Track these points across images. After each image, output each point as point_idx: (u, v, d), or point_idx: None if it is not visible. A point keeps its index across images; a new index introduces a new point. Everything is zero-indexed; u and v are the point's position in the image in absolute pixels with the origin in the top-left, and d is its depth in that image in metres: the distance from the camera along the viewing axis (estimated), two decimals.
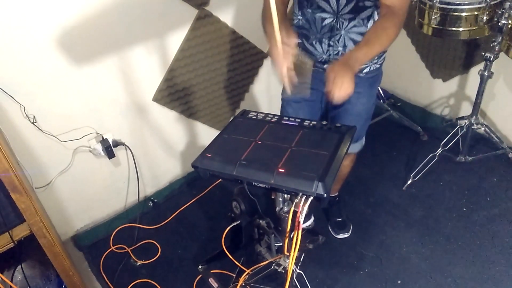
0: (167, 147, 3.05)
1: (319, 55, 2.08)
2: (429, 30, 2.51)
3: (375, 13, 1.92)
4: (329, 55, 2.04)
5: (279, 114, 2.31)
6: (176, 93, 2.81)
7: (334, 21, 1.94)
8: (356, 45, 1.87)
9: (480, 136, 3.14)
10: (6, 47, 2.12)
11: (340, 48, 2.00)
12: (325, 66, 2.09)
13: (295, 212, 1.52)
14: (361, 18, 1.91)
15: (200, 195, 3.17)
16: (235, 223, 2.07)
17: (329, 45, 2.02)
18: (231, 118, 2.36)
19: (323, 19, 1.95)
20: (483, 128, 2.88)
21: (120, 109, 2.67)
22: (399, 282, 2.45)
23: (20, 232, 1.99)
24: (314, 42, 2.05)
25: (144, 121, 2.82)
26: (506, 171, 3.00)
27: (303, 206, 1.49)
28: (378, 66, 2.14)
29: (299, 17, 2.03)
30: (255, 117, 1.90)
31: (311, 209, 1.51)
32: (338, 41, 1.99)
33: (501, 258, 2.49)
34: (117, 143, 2.70)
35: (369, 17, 1.92)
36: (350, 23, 1.93)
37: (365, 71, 2.10)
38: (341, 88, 1.62)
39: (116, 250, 2.84)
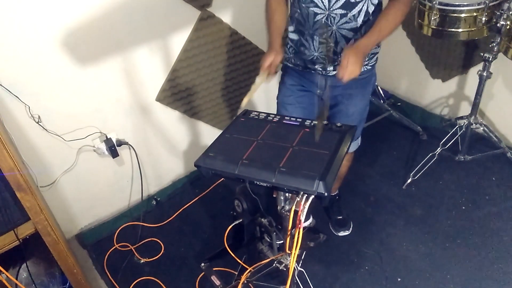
0: (170, 147, 3.07)
1: (310, 53, 2.10)
2: (428, 31, 2.52)
3: (368, 9, 1.95)
4: (321, 52, 2.06)
5: None
6: (179, 93, 2.82)
7: (326, 16, 1.95)
8: (367, 32, 1.94)
9: (479, 136, 3.15)
10: (11, 48, 2.13)
11: (332, 45, 2.03)
12: (316, 66, 2.12)
13: (296, 211, 1.55)
14: (352, 14, 1.93)
15: (202, 194, 3.19)
16: (237, 222, 2.09)
17: (320, 42, 2.04)
18: (233, 118, 2.38)
19: (316, 14, 1.96)
20: (482, 128, 2.89)
21: (124, 109, 2.68)
22: (399, 279, 2.47)
23: (25, 230, 1.99)
24: (308, 38, 2.07)
25: (148, 121, 2.83)
26: (504, 170, 3.02)
27: (304, 204, 1.51)
28: (370, 67, 2.16)
29: (298, 10, 2.04)
30: (256, 117, 1.91)
31: (310, 209, 1.53)
32: (329, 37, 2.01)
33: (500, 256, 2.51)
34: (120, 143, 2.71)
35: (360, 13, 1.94)
36: (342, 19, 1.94)
37: None
38: (350, 70, 1.78)
39: (120, 248, 2.86)
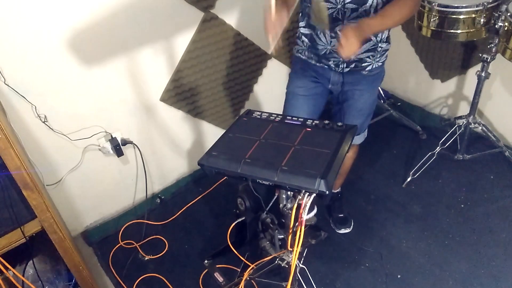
0: (174, 146, 3.08)
1: (323, 47, 2.11)
2: (428, 32, 2.54)
3: (377, 6, 1.95)
4: (333, 45, 2.06)
5: (282, 108, 2.37)
6: (182, 93, 2.84)
7: (336, 11, 1.96)
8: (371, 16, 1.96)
9: (478, 135, 3.17)
10: (18, 49, 2.15)
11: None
12: (329, 62, 2.14)
13: (298, 209, 1.58)
14: (363, 9, 1.94)
15: (206, 192, 3.21)
16: (240, 219, 2.10)
17: (331, 36, 2.05)
18: (236, 118, 2.40)
19: (327, 8, 1.96)
20: (480, 127, 2.91)
21: (129, 109, 2.70)
22: (399, 276, 2.50)
23: (31, 228, 1.99)
24: (318, 33, 2.08)
25: (152, 121, 2.85)
26: (502, 169, 3.04)
27: (306, 202, 1.53)
28: (381, 64, 2.18)
29: (308, 4, 2.04)
30: (259, 117, 1.92)
31: (314, 203, 1.55)
32: (339, 31, 2.00)
33: (498, 253, 2.53)
34: (125, 142, 2.73)
35: (370, 7, 1.94)
36: (353, 13, 1.95)
37: (368, 69, 2.15)
38: (349, 47, 1.78)
39: (124, 246, 2.88)
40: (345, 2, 1.93)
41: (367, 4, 1.93)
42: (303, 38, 2.20)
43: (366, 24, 1.86)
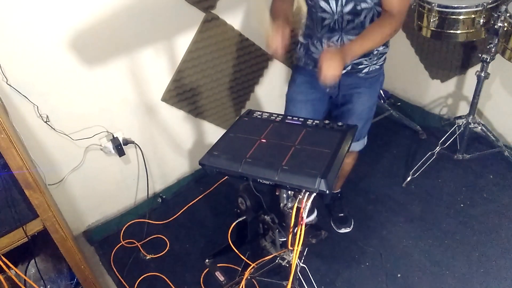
0: (175, 145, 3.09)
1: (318, 57, 2.13)
2: (428, 33, 2.55)
3: (373, 17, 1.98)
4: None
5: (283, 113, 2.38)
6: (184, 93, 2.85)
7: (333, 22, 1.99)
8: (352, 39, 1.97)
9: (477, 135, 3.17)
10: (20, 49, 2.16)
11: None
12: None
13: (298, 208, 1.58)
14: (359, 20, 1.97)
15: (207, 192, 3.21)
16: (240, 219, 2.10)
17: (328, 46, 2.07)
18: (237, 118, 2.41)
19: (324, 19, 2.00)
20: (480, 127, 2.91)
21: (130, 109, 2.71)
22: (398, 275, 2.50)
23: (33, 227, 2.00)
24: (315, 42, 2.11)
25: (153, 120, 2.86)
26: (501, 169, 3.04)
27: (306, 202, 1.53)
28: (378, 67, 2.19)
29: (307, 16, 2.08)
30: (260, 117, 1.93)
31: (314, 204, 1.57)
32: (336, 41, 2.05)
33: (497, 252, 2.54)
34: (127, 142, 2.74)
35: (365, 19, 1.97)
36: (349, 24, 1.98)
37: (364, 71, 2.16)
38: (329, 70, 1.75)
39: (126, 245, 2.89)
40: (342, 13, 1.96)
41: (361, 16, 1.96)
42: (300, 45, 2.24)
43: (347, 48, 1.85)
